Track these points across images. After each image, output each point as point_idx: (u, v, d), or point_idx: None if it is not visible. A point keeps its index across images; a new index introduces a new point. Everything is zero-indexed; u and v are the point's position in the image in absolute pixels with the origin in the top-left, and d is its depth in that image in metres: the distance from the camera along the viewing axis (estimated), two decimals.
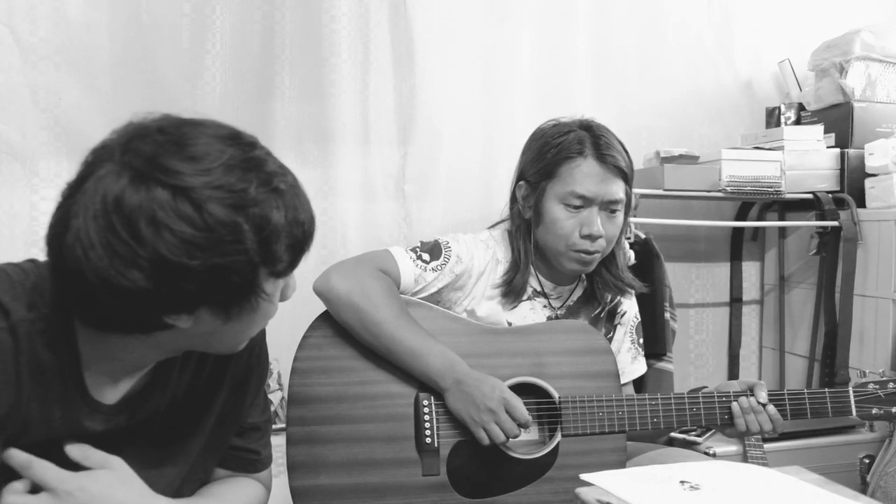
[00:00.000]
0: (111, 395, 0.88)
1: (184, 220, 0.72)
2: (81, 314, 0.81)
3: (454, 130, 2.13)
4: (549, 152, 1.42)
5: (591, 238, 1.39)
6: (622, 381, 1.50)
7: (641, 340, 1.59)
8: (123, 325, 0.80)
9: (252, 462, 1.07)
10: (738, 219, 2.46)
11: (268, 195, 0.77)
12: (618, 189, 1.40)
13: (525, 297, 1.47)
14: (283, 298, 0.89)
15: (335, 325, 1.35)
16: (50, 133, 1.82)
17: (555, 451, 1.35)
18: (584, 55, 2.28)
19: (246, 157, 0.78)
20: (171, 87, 1.89)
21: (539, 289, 1.49)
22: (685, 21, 2.40)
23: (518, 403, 1.28)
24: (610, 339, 1.55)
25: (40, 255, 2.02)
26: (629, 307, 1.57)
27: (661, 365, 1.94)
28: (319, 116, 2.03)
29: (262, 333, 1.04)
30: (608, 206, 1.40)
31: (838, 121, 2.25)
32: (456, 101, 2.13)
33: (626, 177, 1.42)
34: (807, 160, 2.21)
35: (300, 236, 0.81)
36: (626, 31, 2.33)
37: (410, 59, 2.08)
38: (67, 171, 1.87)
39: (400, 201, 2.11)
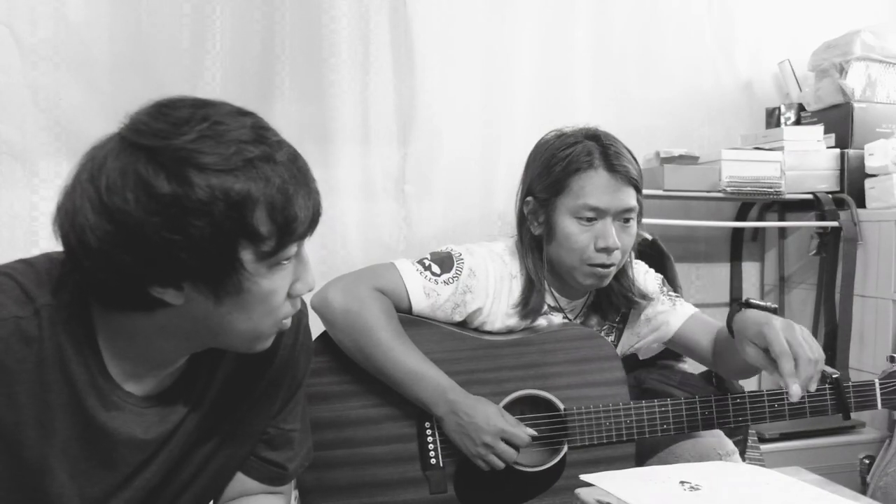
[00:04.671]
0: (136, 389, 0.86)
1: (151, 179, 0.72)
2: (86, 290, 0.80)
3: (454, 130, 2.13)
4: (557, 166, 1.36)
5: (608, 251, 1.34)
6: (680, 321, 1.45)
7: (674, 293, 1.52)
8: (118, 298, 0.79)
9: (279, 476, 1.04)
10: (738, 219, 2.46)
11: (249, 163, 0.74)
12: (630, 198, 1.35)
13: (542, 313, 1.43)
14: (294, 293, 0.84)
15: (331, 349, 1.33)
16: (50, 133, 1.82)
17: (562, 462, 1.34)
18: (584, 55, 2.28)
19: (236, 124, 0.76)
20: (171, 87, 1.89)
21: (555, 304, 1.46)
22: (685, 21, 2.40)
23: (515, 431, 1.27)
24: (625, 316, 1.49)
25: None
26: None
27: (682, 366, 1.92)
28: (319, 116, 2.03)
29: (304, 336, 1.01)
30: (622, 216, 1.35)
31: (838, 121, 2.25)
32: (456, 101, 2.13)
33: (637, 185, 1.38)
34: (807, 160, 2.21)
35: (288, 213, 0.76)
36: (626, 32, 2.33)
37: (410, 59, 2.08)
38: (67, 171, 1.86)
39: (400, 201, 2.11)
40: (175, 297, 0.77)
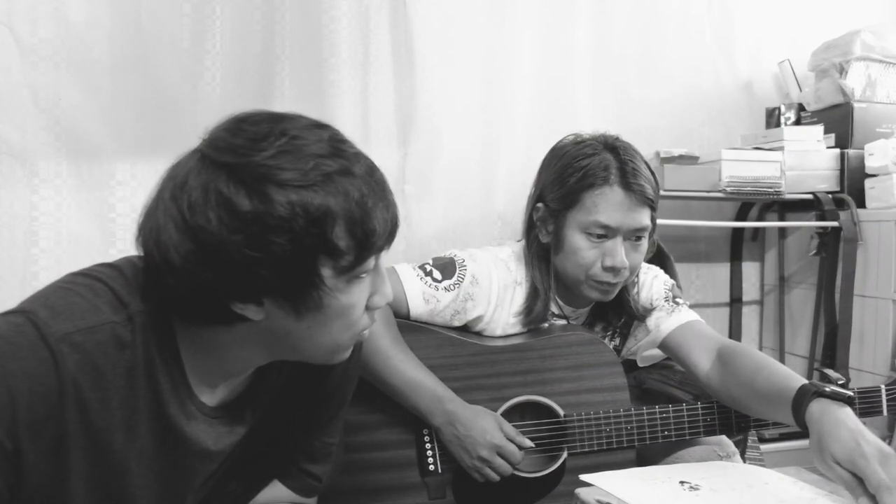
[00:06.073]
0: (208, 399, 0.87)
1: (232, 197, 0.72)
2: (168, 304, 0.80)
3: (454, 130, 2.13)
4: (572, 177, 1.32)
5: (614, 270, 1.31)
6: (672, 327, 1.40)
7: (678, 299, 1.47)
8: (199, 313, 0.79)
9: (313, 488, 1.05)
10: (738, 219, 2.46)
11: (327, 177, 0.74)
12: (644, 217, 1.31)
13: (545, 321, 1.42)
14: (371, 306, 0.84)
15: None
16: (50, 133, 1.82)
17: (561, 467, 1.33)
18: (584, 55, 2.28)
19: (314, 138, 0.76)
20: (171, 87, 1.88)
21: (559, 312, 1.45)
22: (685, 21, 2.40)
23: (510, 448, 1.26)
24: (629, 322, 1.48)
25: (40, 254, 2.00)
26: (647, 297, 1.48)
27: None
28: (319, 116, 2.00)
29: (357, 352, 1.00)
30: (633, 235, 1.32)
31: (838, 121, 2.25)
32: (456, 101, 2.13)
33: (653, 205, 1.33)
34: (807, 160, 2.20)
35: (367, 227, 0.76)
36: (626, 32, 2.33)
37: (410, 59, 2.08)
38: (67, 171, 1.89)
39: (400, 201, 2.08)
40: (256, 313, 0.77)
